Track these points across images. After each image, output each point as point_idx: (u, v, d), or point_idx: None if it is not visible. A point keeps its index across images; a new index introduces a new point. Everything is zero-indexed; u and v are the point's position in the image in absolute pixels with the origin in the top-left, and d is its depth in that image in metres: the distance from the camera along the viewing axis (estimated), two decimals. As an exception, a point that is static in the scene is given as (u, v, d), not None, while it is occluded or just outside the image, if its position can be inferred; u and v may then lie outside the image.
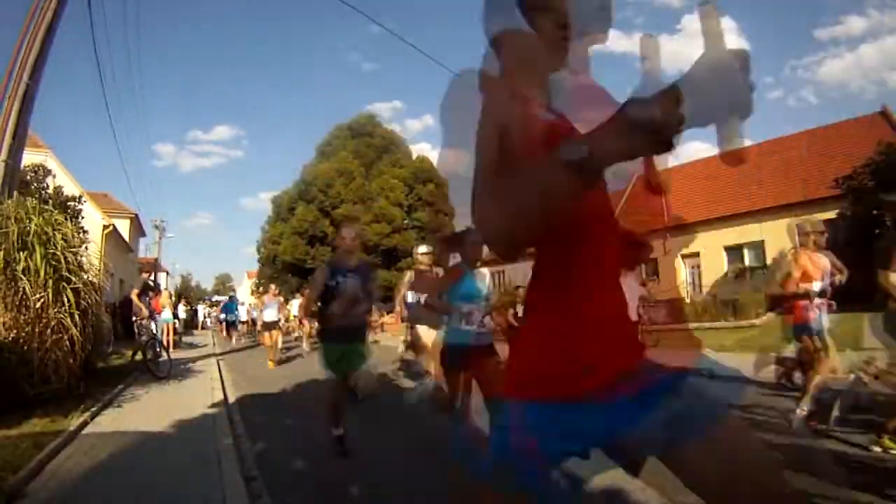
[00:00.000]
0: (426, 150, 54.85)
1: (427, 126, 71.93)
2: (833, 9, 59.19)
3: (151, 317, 10.68)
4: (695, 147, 75.16)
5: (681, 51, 64.07)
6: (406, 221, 35.55)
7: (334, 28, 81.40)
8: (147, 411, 6.17)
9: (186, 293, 53.33)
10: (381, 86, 79.25)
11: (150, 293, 12.05)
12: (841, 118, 21.16)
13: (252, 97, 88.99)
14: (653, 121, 0.76)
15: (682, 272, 22.63)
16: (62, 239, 6.25)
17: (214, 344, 18.26)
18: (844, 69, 58.53)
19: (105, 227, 20.33)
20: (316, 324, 12.19)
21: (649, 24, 68.37)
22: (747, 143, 0.80)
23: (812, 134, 21.18)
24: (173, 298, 17.62)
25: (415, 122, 74.38)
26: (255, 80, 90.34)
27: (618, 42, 66.76)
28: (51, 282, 5.88)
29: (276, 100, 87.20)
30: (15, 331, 5.59)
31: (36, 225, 6.05)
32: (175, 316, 17.76)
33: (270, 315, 12.16)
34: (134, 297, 10.79)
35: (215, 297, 49.06)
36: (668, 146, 0.79)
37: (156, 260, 32.09)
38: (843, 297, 4.83)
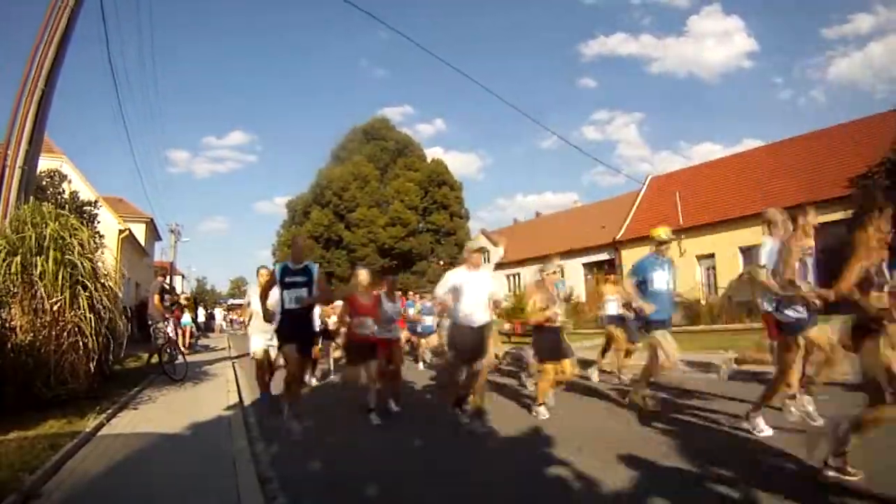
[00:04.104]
0: (440, 153, 54.85)
1: (439, 130, 71.65)
2: (840, 7, 58.10)
3: (167, 320, 10.71)
4: (708, 148, 74.61)
5: (687, 52, 63.46)
6: (421, 225, 35.59)
7: (344, 34, 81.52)
8: (163, 413, 6.20)
9: (203, 297, 53.77)
10: (392, 90, 79.00)
11: (167, 297, 12.08)
12: (852, 117, 20.95)
13: (265, 103, 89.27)
14: None
15: (697, 273, 22.40)
16: (78, 243, 6.30)
17: (230, 347, 18.33)
18: (853, 68, 57.45)
19: (121, 231, 20.50)
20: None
21: (656, 26, 67.35)
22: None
23: (824, 134, 20.94)
24: (187, 304, 17.63)
25: (426, 127, 74.13)
26: (267, 87, 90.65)
27: (624, 45, 66.41)
28: (67, 286, 5.93)
29: (288, 105, 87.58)
30: (32, 334, 5.66)
31: (52, 230, 6.10)
32: (194, 320, 17.87)
33: None
34: (156, 300, 10.81)
35: (231, 301, 49.09)
36: None
37: (171, 264, 32.34)
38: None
